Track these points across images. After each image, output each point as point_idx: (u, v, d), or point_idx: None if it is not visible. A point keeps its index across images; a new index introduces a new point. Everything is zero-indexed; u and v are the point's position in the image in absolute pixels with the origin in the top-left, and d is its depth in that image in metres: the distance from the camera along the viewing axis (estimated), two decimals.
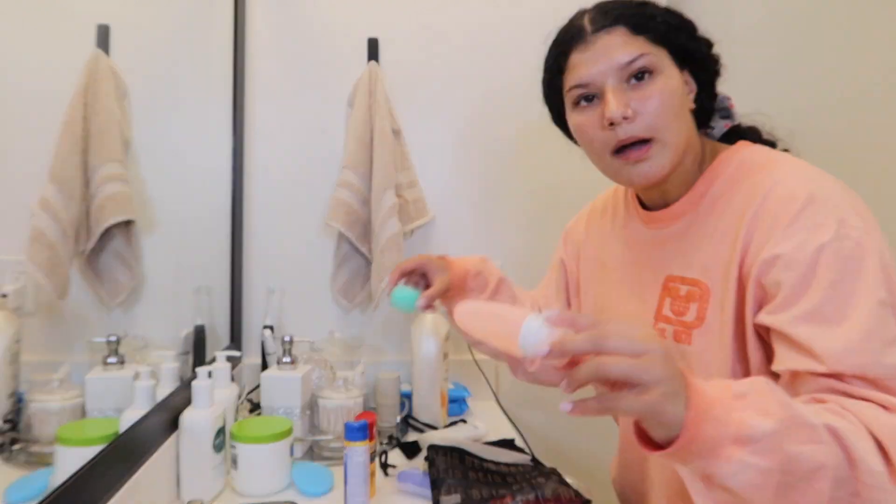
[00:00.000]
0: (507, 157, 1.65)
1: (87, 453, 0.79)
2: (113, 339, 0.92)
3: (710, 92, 0.86)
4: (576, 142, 0.90)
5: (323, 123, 1.59)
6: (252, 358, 1.55)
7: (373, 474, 1.04)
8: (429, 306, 0.98)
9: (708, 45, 0.85)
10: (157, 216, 1.09)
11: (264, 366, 1.43)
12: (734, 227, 0.77)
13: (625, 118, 0.78)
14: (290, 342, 1.27)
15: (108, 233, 0.90)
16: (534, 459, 1.16)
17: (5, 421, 0.71)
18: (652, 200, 0.90)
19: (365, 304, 1.61)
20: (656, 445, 0.59)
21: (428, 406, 1.40)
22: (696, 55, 0.83)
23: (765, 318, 0.71)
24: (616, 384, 0.56)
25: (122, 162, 0.94)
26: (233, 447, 1.06)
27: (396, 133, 1.58)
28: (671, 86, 0.79)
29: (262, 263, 1.59)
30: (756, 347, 0.74)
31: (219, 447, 1.05)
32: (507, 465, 1.12)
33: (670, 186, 0.86)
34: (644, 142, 0.79)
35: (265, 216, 1.59)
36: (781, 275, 0.69)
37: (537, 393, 1.67)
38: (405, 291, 0.98)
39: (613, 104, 0.78)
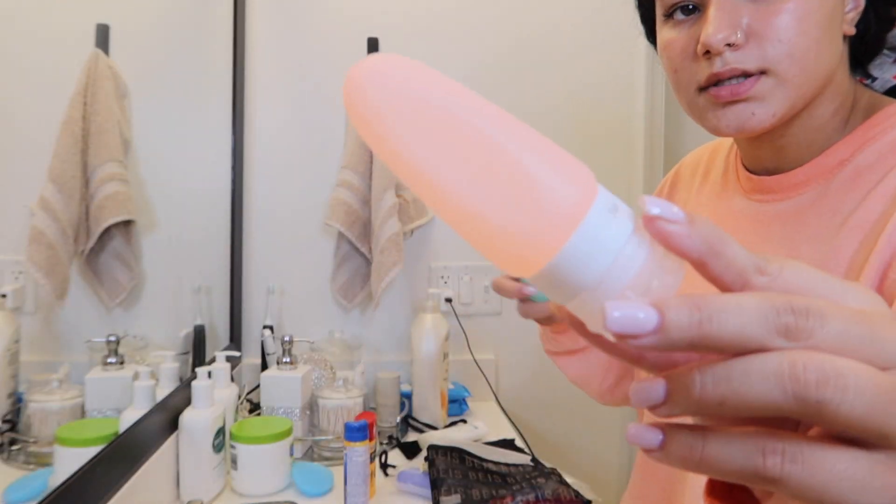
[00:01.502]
0: None
1: (86, 453, 0.79)
2: (112, 339, 0.92)
3: (886, 15, 0.58)
4: None
5: (323, 123, 1.59)
6: (252, 358, 1.55)
7: (373, 474, 1.04)
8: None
9: None
10: (157, 216, 1.09)
11: (264, 366, 1.43)
12: (883, 215, 0.53)
13: (729, 45, 0.54)
14: (290, 342, 1.27)
15: (107, 233, 0.90)
16: (534, 459, 1.16)
17: (4, 421, 0.71)
18: (760, 161, 0.64)
19: (365, 304, 1.60)
20: None
21: (428, 406, 1.40)
22: None
23: None
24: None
25: (122, 162, 0.94)
26: (232, 447, 1.06)
27: None
28: (814, 2, 0.54)
29: (262, 263, 1.59)
30: None
31: (218, 447, 1.05)
32: (507, 465, 1.12)
33: (792, 143, 0.60)
34: (749, 75, 0.55)
35: (265, 216, 1.59)
36: None
37: (537, 393, 1.67)
38: None
39: (714, 23, 0.53)
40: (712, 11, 0.54)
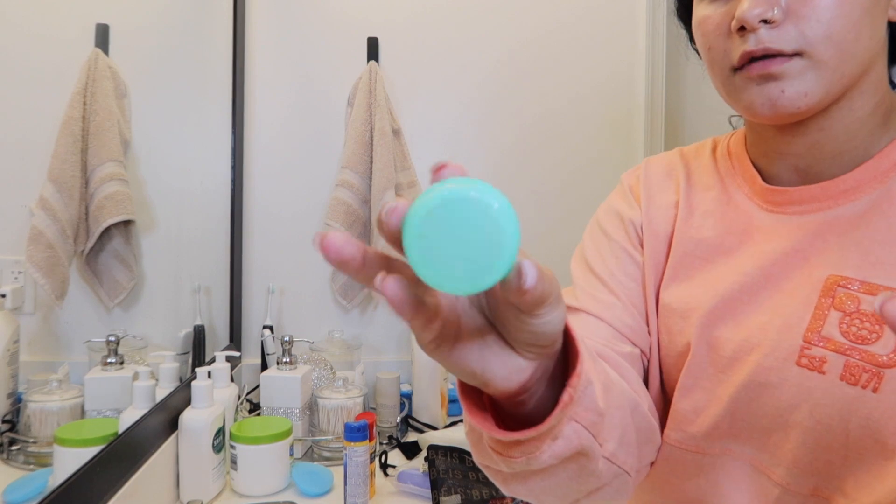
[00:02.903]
0: (507, 158, 1.65)
1: (86, 454, 0.79)
2: (112, 339, 0.92)
3: None
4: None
5: (323, 123, 1.59)
6: (251, 358, 1.55)
7: (372, 474, 1.04)
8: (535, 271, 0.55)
9: None
10: (157, 216, 1.09)
11: (264, 366, 1.43)
12: None
13: (764, 21, 0.51)
14: (290, 342, 1.27)
15: (107, 232, 0.90)
16: None
17: (4, 421, 0.71)
18: (781, 163, 0.59)
19: (365, 304, 1.60)
20: None
21: (428, 406, 1.40)
22: None
23: None
24: None
25: (122, 162, 0.93)
26: (232, 447, 1.06)
27: (396, 132, 1.58)
28: None
29: (262, 263, 1.58)
30: None
31: (218, 447, 1.04)
32: None
33: (830, 138, 0.56)
34: (784, 55, 0.52)
35: (265, 216, 1.59)
36: None
37: None
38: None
39: (752, 1, 0.51)
40: None
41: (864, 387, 0.50)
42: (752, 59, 0.52)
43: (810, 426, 0.52)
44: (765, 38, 0.51)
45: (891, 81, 0.59)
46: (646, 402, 0.60)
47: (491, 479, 0.52)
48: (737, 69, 0.54)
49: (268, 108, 1.58)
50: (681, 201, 0.66)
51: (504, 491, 0.53)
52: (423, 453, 1.16)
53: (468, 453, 1.13)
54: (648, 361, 0.64)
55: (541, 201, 1.66)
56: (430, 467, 1.07)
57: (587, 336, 0.61)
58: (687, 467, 0.60)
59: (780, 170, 0.59)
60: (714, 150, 0.68)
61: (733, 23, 0.53)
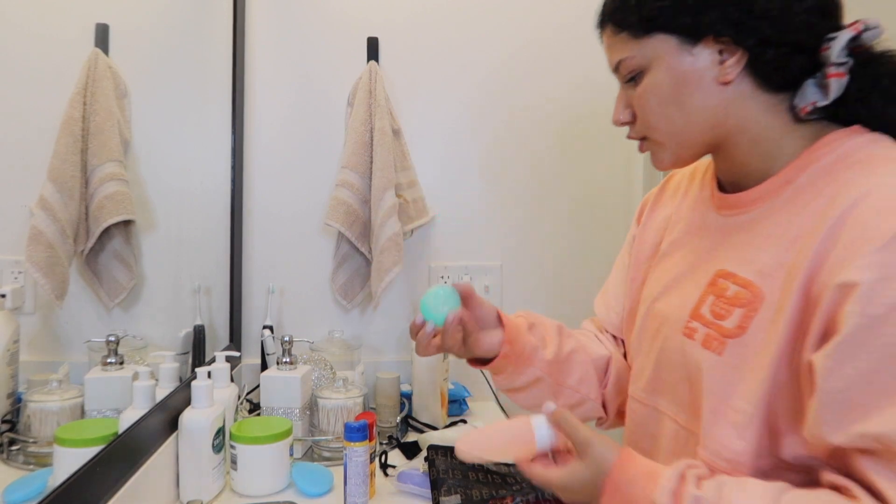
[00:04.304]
0: (507, 158, 1.65)
1: (86, 454, 0.79)
2: (112, 339, 0.92)
3: (781, 50, 0.67)
4: None
5: (323, 123, 1.59)
6: (251, 358, 1.55)
7: (373, 474, 1.04)
8: (456, 318, 0.85)
9: None
10: (157, 216, 1.09)
11: (264, 366, 1.43)
12: (812, 229, 0.63)
13: (623, 123, 0.78)
14: (290, 342, 1.27)
15: (107, 232, 0.90)
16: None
17: (4, 421, 0.71)
18: (729, 182, 0.78)
19: (365, 304, 1.60)
20: None
21: (428, 406, 1.40)
22: (716, 23, 0.67)
23: (815, 357, 0.59)
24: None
25: (122, 161, 0.94)
26: (232, 447, 1.06)
27: (396, 133, 1.58)
28: (659, 81, 0.71)
29: (262, 263, 1.59)
30: (808, 384, 0.61)
31: (218, 447, 1.04)
32: (506, 465, 1.12)
33: (746, 168, 0.73)
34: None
35: (265, 216, 1.59)
36: (851, 309, 0.56)
37: None
38: (443, 289, 0.87)
39: (615, 108, 0.79)
40: (617, 98, 0.79)
41: (713, 350, 0.70)
42: None
43: (691, 383, 0.73)
44: (629, 131, 0.79)
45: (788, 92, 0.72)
46: (616, 362, 0.95)
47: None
48: None
49: (268, 108, 1.58)
50: (672, 214, 0.88)
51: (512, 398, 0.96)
52: (423, 453, 1.16)
53: None
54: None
55: (541, 201, 1.66)
56: (430, 467, 1.07)
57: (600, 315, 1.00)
58: (642, 418, 0.83)
59: (724, 182, 0.79)
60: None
61: None
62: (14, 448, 0.73)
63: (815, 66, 0.68)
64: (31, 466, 0.75)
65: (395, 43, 1.61)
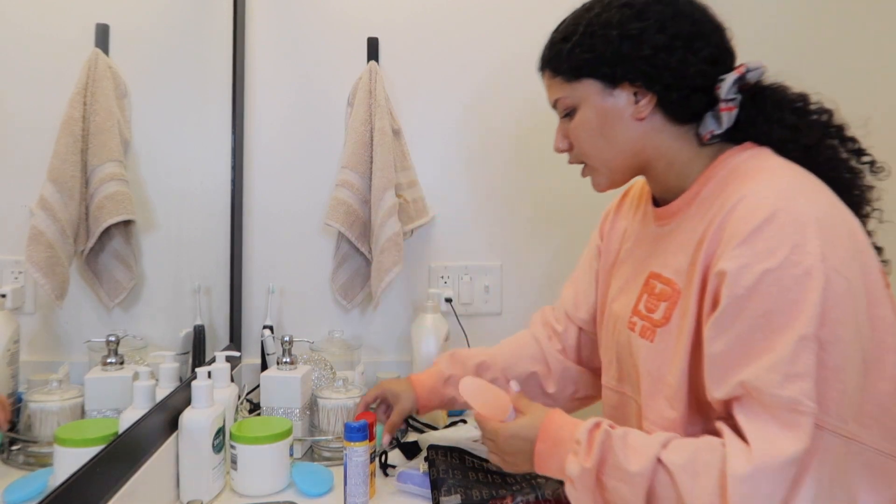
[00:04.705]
0: (507, 157, 1.65)
1: (86, 454, 0.79)
2: (112, 339, 0.92)
3: (682, 92, 0.83)
4: None
5: (323, 123, 1.59)
6: (251, 358, 1.55)
7: (373, 474, 1.04)
8: (391, 439, 1.12)
9: (661, 47, 0.81)
10: (157, 216, 1.09)
11: (264, 366, 1.43)
12: (707, 232, 0.78)
13: (563, 150, 0.94)
14: (290, 342, 1.27)
15: (107, 232, 0.90)
16: None
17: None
18: (659, 198, 0.94)
19: (365, 304, 1.60)
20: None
21: None
22: (630, 72, 0.83)
23: (705, 330, 0.74)
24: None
25: (122, 162, 0.94)
26: (232, 447, 1.06)
27: (396, 132, 1.58)
28: (588, 117, 0.87)
29: (262, 263, 1.58)
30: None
31: (218, 447, 1.04)
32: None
33: (659, 186, 0.91)
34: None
35: (265, 216, 1.59)
36: (724, 291, 0.72)
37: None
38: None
39: (555, 138, 0.94)
40: (556, 132, 0.94)
41: (647, 339, 0.86)
42: None
43: (637, 369, 0.88)
44: (569, 157, 0.95)
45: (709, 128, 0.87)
46: (553, 362, 1.14)
47: None
48: None
49: (268, 108, 1.58)
50: (628, 226, 1.03)
51: None
52: (423, 453, 1.16)
53: (468, 453, 1.14)
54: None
55: (541, 201, 1.66)
56: (430, 467, 1.07)
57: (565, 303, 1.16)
58: (615, 403, 0.98)
59: (658, 198, 0.94)
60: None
61: None
62: (14, 448, 0.73)
63: (712, 102, 0.84)
64: (32, 466, 0.75)
65: (395, 43, 1.61)
